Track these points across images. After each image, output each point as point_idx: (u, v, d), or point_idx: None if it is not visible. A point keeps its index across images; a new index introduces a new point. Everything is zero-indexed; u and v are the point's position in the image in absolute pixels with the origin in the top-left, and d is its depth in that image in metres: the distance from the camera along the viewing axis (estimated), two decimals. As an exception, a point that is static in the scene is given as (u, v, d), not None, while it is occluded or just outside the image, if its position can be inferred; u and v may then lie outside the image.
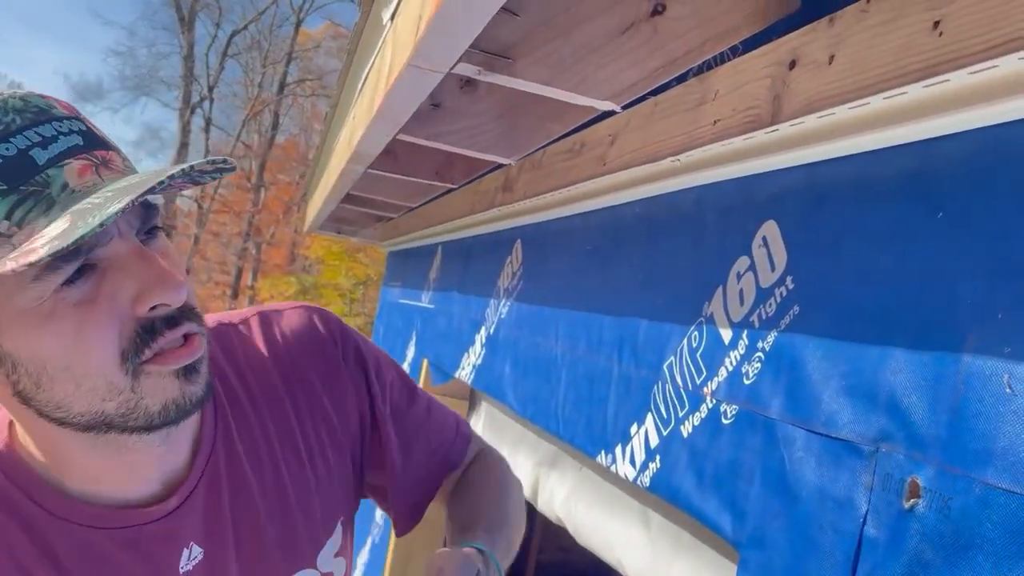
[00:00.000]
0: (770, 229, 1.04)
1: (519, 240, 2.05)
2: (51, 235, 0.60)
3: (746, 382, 1.03)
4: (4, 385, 0.69)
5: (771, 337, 0.98)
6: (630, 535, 1.54)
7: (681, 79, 1.23)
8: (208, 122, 23.00)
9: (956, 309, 0.74)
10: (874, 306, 0.84)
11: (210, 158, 0.65)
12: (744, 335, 1.05)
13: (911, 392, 0.77)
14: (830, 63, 0.91)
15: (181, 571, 0.79)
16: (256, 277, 22.89)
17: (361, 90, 1.80)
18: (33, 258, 0.58)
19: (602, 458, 1.40)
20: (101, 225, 0.58)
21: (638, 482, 1.26)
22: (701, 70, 1.26)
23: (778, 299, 0.99)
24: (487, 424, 2.58)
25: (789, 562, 0.88)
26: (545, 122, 1.40)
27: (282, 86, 23.44)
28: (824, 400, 0.88)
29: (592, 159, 1.56)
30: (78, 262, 0.64)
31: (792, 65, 0.98)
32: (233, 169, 0.67)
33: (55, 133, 0.65)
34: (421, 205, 2.74)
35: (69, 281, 0.64)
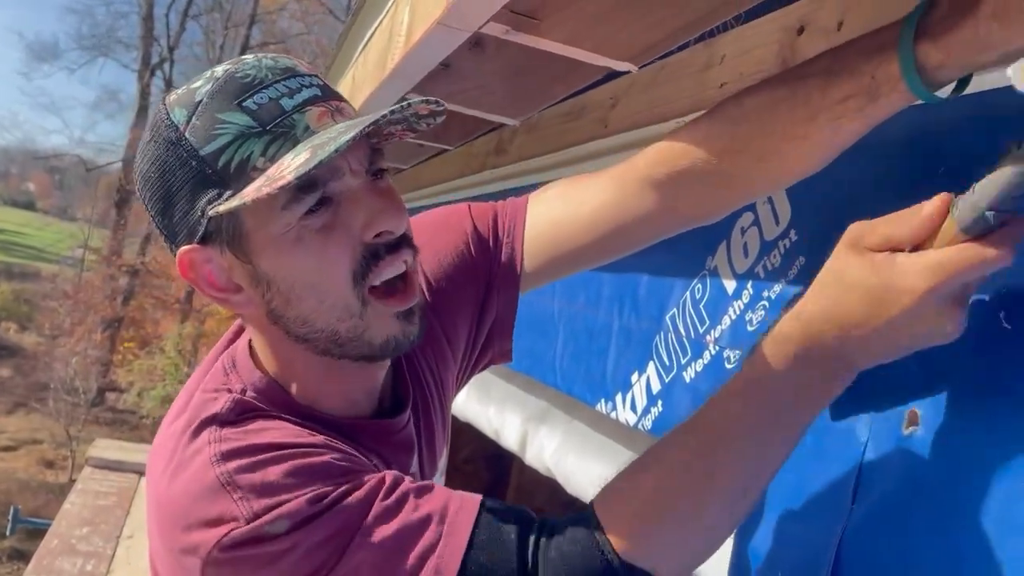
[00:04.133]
0: (774, 186, 1.11)
1: (512, 201, 2.10)
2: (296, 164, 0.70)
3: (750, 329, 1.11)
4: (259, 306, 0.80)
5: (777, 287, 1.06)
6: (621, 482, 1.62)
7: (684, 45, 1.29)
8: (168, 84, 22.51)
9: (955, 255, 0.82)
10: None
11: (425, 97, 0.75)
12: (749, 285, 1.12)
13: (911, 331, 0.85)
14: (839, 29, 0.98)
15: (410, 472, 0.92)
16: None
17: (363, 50, 1.82)
18: (282, 183, 0.69)
19: (602, 406, 1.47)
20: (336, 151, 0.68)
21: (639, 426, 1.33)
22: (703, 37, 1.32)
23: (782, 251, 1.07)
24: (473, 384, 2.65)
25: (795, 487, 0.96)
26: (551, 83, 1.45)
27: (244, 49, 23.00)
28: (827, 342, 0.96)
29: (592, 121, 1.62)
30: (318, 194, 0.74)
31: (800, 31, 1.05)
32: (444, 114, 0.77)
33: (299, 86, 0.76)
34: (410, 168, 2.78)
35: (311, 211, 0.74)
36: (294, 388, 0.85)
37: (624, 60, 1.09)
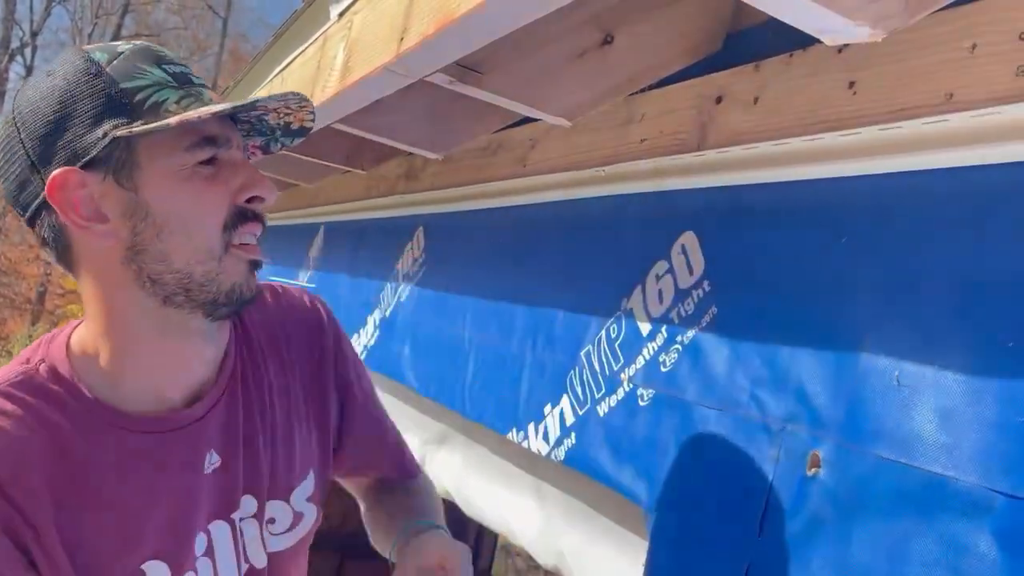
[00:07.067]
0: (689, 239, 1.20)
1: (421, 227, 2.14)
2: (222, 105, 0.81)
3: (663, 370, 1.19)
4: (121, 239, 0.85)
5: (691, 332, 1.15)
6: (522, 506, 1.68)
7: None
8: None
9: (855, 316, 0.92)
10: (784, 311, 1.02)
11: (302, 105, 0.88)
12: (663, 329, 1.21)
13: (816, 383, 0.95)
14: (755, 103, 1.08)
15: (204, 472, 0.94)
16: (77, 242, 21.28)
17: (280, 73, 1.82)
18: (215, 109, 0.81)
19: (513, 435, 1.53)
20: (266, 100, 0.83)
21: (552, 456, 1.40)
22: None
23: (695, 299, 1.16)
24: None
25: (702, 523, 1.04)
26: (475, 122, 1.51)
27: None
28: (737, 387, 1.05)
29: (510, 159, 1.68)
30: (216, 149, 0.85)
31: (719, 100, 1.14)
32: (310, 128, 0.94)
33: (200, 81, 0.89)
34: (315, 185, 2.76)
35: (204, 163, 0.85)
36: (99, 370, 0.89)
37: (558, 116, 1.16)
